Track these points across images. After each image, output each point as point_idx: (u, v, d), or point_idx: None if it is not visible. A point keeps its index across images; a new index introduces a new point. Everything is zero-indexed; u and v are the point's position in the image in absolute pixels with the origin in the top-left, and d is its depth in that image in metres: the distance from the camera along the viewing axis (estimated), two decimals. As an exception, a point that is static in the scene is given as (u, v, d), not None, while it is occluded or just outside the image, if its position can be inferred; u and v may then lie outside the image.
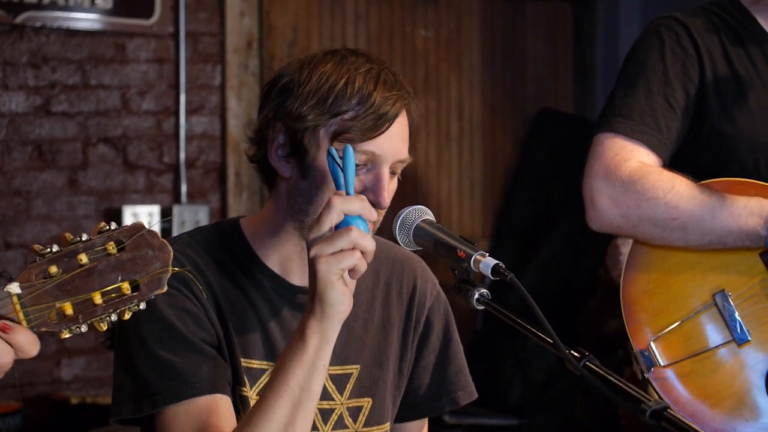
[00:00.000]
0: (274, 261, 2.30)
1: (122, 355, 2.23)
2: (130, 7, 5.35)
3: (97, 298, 1.70)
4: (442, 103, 6.34)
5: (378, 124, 2.17)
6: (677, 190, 2.65)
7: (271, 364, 2.24)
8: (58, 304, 1.69)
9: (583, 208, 2.75)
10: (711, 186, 2.68)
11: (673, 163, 2.77)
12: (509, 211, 6.50)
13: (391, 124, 2.19)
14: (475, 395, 2.51)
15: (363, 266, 2.06)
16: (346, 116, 2.17)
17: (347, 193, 2.08)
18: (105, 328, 1.73)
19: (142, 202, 5.40)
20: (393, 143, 2.20)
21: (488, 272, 2.01)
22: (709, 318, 2.65)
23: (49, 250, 1.69)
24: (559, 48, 6.78)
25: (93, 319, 1.71)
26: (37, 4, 5.10)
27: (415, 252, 2.33)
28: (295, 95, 2.19)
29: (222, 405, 2.15)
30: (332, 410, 2.31)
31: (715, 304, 2.65)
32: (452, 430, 5.89)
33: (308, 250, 2.06)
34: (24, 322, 1.69)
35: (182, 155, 5.48)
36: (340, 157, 2.11)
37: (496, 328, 6.12)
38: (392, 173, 2.23)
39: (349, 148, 2.11)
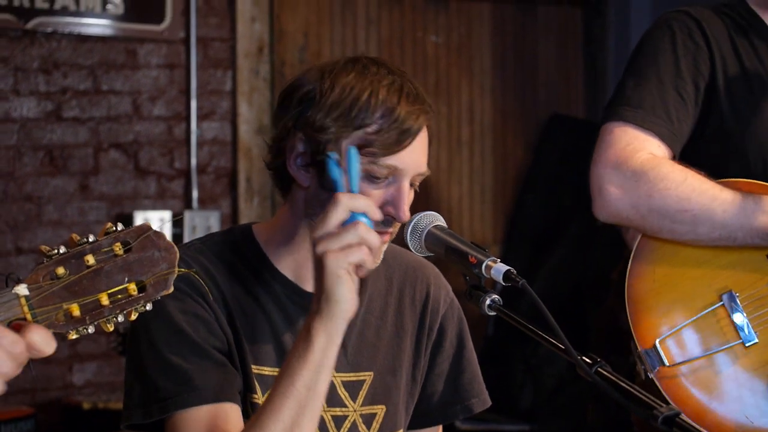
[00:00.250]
0: (287, 267, 2.29)
1: (133, 361, 2.23)
2: (141, 13, 5.35)
3: (104, 299, 1.71)
4: (453, 108, 6.33)
5: (401, 139, 2.17)
6: (689, 183, 2.63)
7: (284, 370, 2.24)
8: (65, 305, 1.69)
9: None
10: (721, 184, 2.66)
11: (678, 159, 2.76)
12: (520, 215, 6.49)
13: (413, 139, 2.19)
14: (489, 402, 2.51)
15: (369, 262, 2.06)
16: (369, 129, 2.16)
17: (351, 192, 2.09)
18: (111, 329, 1.73)
19: (154, 207, 5.40)
20: (414, 157, 2.20)
21: (500, 278, 2.01)
22: (716, 318, 2.63)
23: (56, 251, 1.70)
24: (570, 53, 6.77)
25: (100, 320, 1.71)
26: (49, 9, 5.11)
27: (426, 258, 2.33)
28: (317, 105, 2.18)
29: (231, 412, 2.15)
30: (345, 417, 2.31)
31: (723, 305, 2.63)
32: (464, 436, 5.88)
33: (314, 247, 2.06)
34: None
35: (193, 161, 5.48)
36: (340, 160, 2.11)
37: (508, 334, 6.11)
38: (410, 185, 2.23)
39: (352, 148, 2.11)
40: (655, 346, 2.60)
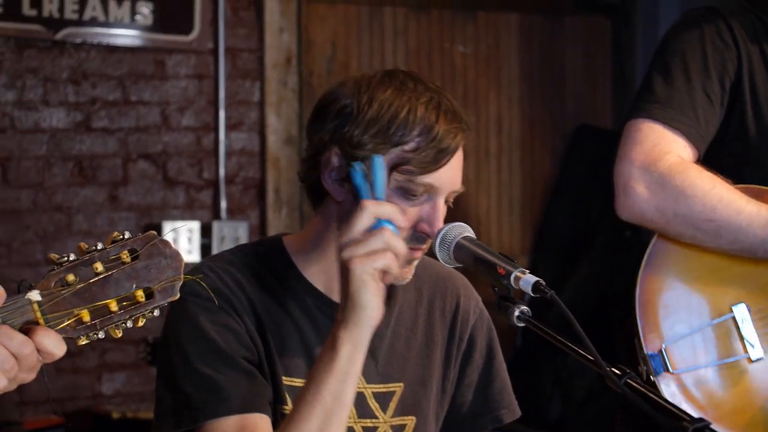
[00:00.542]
0: (318, 279, 2.30)
1: (164, 371, 2.24)
2: (169, 24, 5.38)
3: (113, 306, 1.75)
4: (481, 118, 6.33)
5: (439, 158, 2.17)
6: (717, 192, 2.60)
7: (315, 381, 2.24)
8: (76, 311, 1.74)
9: (621, 223, 2.71)
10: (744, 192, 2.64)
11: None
12: (548, 226, 6.49)
13: (451, 158, 2.19)
14: (519, 413, 2.50)
15: (395, 269, 2.07)
16: (407, 147, 2.16)
17: (377, 199, 2.09)
18: (120, 335, 1.77)
19: (182, 217, 5.42)
20: (451, 175, 2.21)
21: (528, 289, 2.00)
22: (726, 329, 2.61)
23: (66, 258, 1.75)
24: (598, 62, 6.75)
25: (109, 326, 1.76)
26: (78, 20, 5.14)
27: (455, 269, 2.33)
28: (354, 121, 2.18)
29: (261, 422, 2.16)
30: (375, 428, 2.31)
31: (733, 317, 2.61)
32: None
33: (340, 253, 2.07)
34: None
35: (221, 171, 5.50)
36: (366, 170, 2.11)
37: (536, 345, 6.09)
38: (444, 201, 2.23)
39: (378, 157, 2.11)
40: (661, 351, 2.58)
